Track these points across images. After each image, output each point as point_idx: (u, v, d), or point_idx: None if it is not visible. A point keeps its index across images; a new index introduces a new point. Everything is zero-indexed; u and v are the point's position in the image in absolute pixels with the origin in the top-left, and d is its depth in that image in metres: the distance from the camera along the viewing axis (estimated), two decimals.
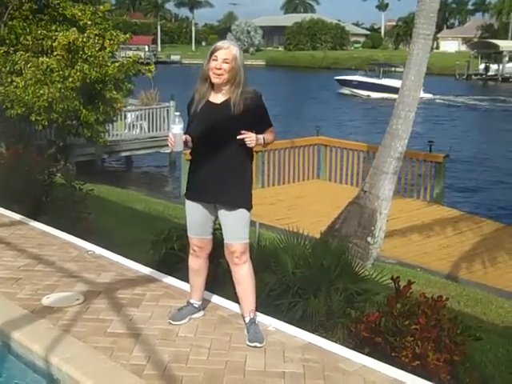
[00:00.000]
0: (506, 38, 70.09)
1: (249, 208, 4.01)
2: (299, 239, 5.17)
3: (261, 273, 4.53)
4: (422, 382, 3.54)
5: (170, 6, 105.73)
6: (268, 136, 3.97)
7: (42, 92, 12.33)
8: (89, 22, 13.86)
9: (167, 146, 4.06)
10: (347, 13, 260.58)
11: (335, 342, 4.15)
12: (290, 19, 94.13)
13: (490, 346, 4.97)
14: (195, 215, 4.09)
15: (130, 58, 14.39)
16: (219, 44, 3.92)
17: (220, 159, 3.93)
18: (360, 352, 3.89)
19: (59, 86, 12.47)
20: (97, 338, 3.94)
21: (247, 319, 4.06)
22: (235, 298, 4.28)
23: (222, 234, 4.14)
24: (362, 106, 39.07)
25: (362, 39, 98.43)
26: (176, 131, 3.85)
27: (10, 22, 13.51)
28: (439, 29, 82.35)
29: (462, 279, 8.06)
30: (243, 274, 4.04)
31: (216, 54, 3.87)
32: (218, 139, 3.91)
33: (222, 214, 4.01)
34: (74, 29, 13.13)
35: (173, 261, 5.35)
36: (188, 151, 4.11)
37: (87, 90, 13.02)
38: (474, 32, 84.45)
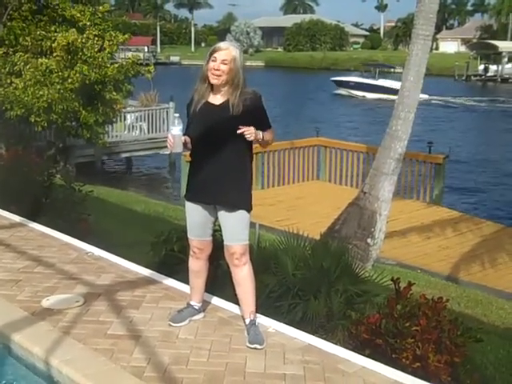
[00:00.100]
0: (505, 39, 70.12)
1: (248, 209, 4.00)
2: (299, 240, 5.16)
3: (261, 274, 4.52)
4: (423, 383, 3.54)
5: (169, 6, 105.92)
6: (267, 135, 3.97)
7: (41, 93, 12.32)
8: (88, 23, 13.87)
9: (167, 147, 4.05)
10: (346, 14, 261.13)
11: (335, 343, 4.14)
12: (290, 20, 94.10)
13: (490, 347, 4.96)
14: (195, 216, 4.08)
15: (129, 59, 14.39)
16: (219, 45, 3.92)
17: (219, 160, 3.92)
18: (360, 354, 3.89)
19: (58, 87, 12.47)
20: (97, 340, 3.94)
21: (247, 321, 4.05)
22: (235, 300, 4.27)
23: (221, 235, 4.14)
24: (360, 106, 39.08)
25: (362, 40, 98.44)
26: (175, 132, 3.85)
27: (9, 23, 13.50)
28: (438, 29, 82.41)
29: (462, 280, 8.05)
30: (243, 276, 4.03)
31: (215, 54, 3.86)
32: (218, 140, 3.90)
33: (222, 215, 4.01)
34: (74, 30, 13.13)
35: (173, 262, 5.34)
36: (188, 153, 4.11)
37: (87, 91, 13.02)
38: (474, 33, 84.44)
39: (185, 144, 3.93)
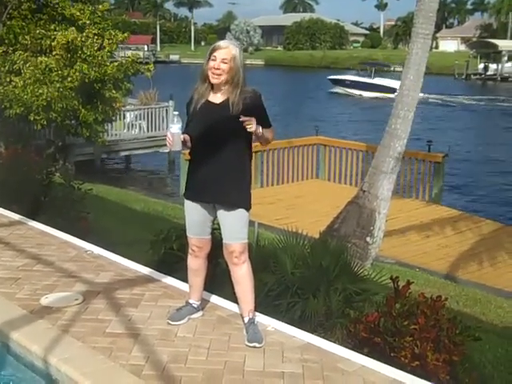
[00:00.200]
0: (504, 38, 70.20)
1: (248, 208, 4.00)
2: (298, 239, 5.16)
3: (260, 273, 4.52)
4: (421, 382, 3.54)
5: (169, 5, 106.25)
6: (267, 133, 3.96)
7: (40, 91, 12.32)
8: (88, 22, 13.86)
9: (166, 145, 4.05)
10: (346, 12, 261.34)
11: (334, 342, 4.14)
12: (289, 19, 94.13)
13: (489, 346, 4.97)
14: (194, 215, 4.09)
15: (128, 57, 14.39)
16: (218, 44, 3.91)
17: (219, 159, 3.92)
18: (359, 352, 3.89)
19: (58, 85, 12.46)
20: (95, 338, 3.94)
21: (246, 319, 4.05)
22: (234, 298, 4.27)
23: (220, 233, 4.14)
24: (358, 105, 39.06)
25: (361, 39, 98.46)
26: (174, 131, 3.85)
27: (8, 22, 13.51)
28: (438, 28, 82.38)
29: (460, 279, 8.05)
30: (242, 274, 4.03)
31: (215, 53, 3.85)
32: (217, 139, 3.90)
33: (221, 213, 4.01)
34: (73, 28, 13.13)
35: (172, 261, 5.34)
36: (187, 151, 4.10)
37: (86, 89, 13.02)
38: (473, 32, 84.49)
39: (184, 142, 3.93)
